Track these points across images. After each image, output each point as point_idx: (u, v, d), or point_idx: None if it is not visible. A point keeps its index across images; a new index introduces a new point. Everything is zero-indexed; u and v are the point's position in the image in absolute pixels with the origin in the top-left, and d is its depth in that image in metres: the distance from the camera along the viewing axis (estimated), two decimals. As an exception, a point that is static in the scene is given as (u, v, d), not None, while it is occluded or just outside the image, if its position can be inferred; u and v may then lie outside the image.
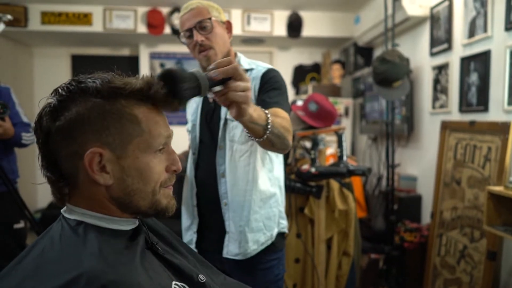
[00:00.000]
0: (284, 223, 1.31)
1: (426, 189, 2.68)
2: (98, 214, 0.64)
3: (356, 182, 2.88)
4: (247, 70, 1.24)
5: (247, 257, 1.20)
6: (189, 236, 1.28)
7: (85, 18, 3.61)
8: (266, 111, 0.94)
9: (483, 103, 2.11)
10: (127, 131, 0.63)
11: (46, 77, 4.29)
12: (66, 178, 0.64)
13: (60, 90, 0.63)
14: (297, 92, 4.48)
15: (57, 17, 3.56)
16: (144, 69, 4.29)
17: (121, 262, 0.59)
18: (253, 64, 1.26)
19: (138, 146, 0.64)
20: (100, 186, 0.63)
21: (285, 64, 4.49)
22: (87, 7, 3.62)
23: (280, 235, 1.29)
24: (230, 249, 1.20)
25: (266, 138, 0.94)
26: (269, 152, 1.24)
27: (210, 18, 1.17)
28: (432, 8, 2.64)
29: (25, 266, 0.59)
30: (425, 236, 2.43)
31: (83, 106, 0.61)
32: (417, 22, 2.84)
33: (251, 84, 1.18)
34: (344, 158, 1.88)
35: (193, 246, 1.26)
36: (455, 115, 2.39)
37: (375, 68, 2.16)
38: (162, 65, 4.30)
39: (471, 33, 2.21)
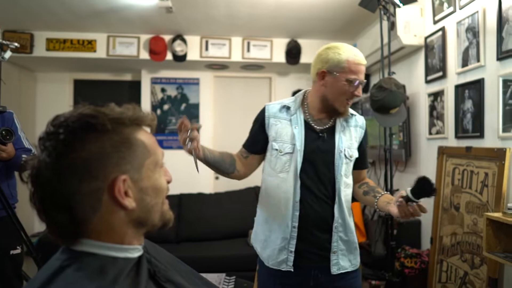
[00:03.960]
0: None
1: (425, 215, 2.67)
2: (109, 244, 0.65)
3: (355, 207, 2.88)
4: (352, 115, 1.42)
5: (355, 269, 1.40)
6: (284, 255, 1.34)
7: (89, 45, 3.71)
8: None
9: (478, 129, 2.15)
10: (139, 156, 0.66)
11: (49, 101, 4.36)
12: (80, 217, 0.62)
13: (55, 133, 0.61)
14: (296, 116, 4.54)
15: (62, 43, 3.66)
16: (146, 93, 4.36)
17: None
18: (352, 111, 1.43)
19: (149, 167, 0.68)
20: (120, 213, 0.64)
21: (284, 89, 4.57)
22: (92, 34, 3.73)
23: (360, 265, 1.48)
24: (343, 265, 1.36)
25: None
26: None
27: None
28: (426, 38, 2.74)
29: None
30: (426, 262, 2.42)
31: (93, 143, 0.61)
32: (412, 50, 2.93)
33: (357, 129, 1.42)
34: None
35: (290, 264, 1.33)
36: (451, 141, 2.43)
37: (372, 95, 2.22)
38: (163, 89, 4.38)
39: (465, 62, 2.28)
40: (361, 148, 1.43)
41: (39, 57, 3.69)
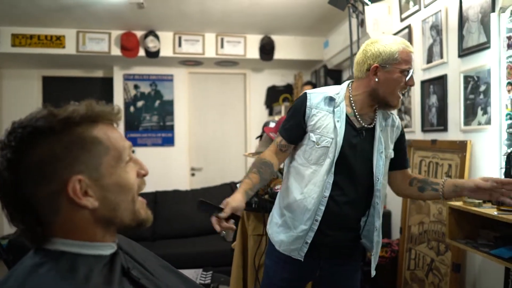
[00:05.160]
0: None
1: (395, 205, 2.79)
2: (80, 242, 0.65)
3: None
4: (390, 114, 1.39)
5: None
6: (298, 244, 1.34)
7: (58, 41, 3.60)
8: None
9: (442, 123, 2.26)
10: (94, 154, 0.65)
11: (16, 98, 4.20)
12: (44, 219, 0.64)
13: (7, 141, 0.62)
14: (271, 112, 4.59)
15: (29, 39, 3.53)
16: (118, 90, 4.28)
17: None
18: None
19: (109, 164, 0.67)
20: (84, 212, 0.64)
21: (258, 85, 4.61)
22: (60, 29, 3.62)
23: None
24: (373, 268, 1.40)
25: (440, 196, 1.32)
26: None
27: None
28: (394, 35, 2.83)
29: None
30: (396, 251, 2.52)
31: (43, 147, 0.62)
32: (381, 47, 3.02)
33: (394, 129, 1.39)
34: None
35: (302, 254, 1.33)
36: (418, 135, 2.54)
37: (342, 91, 2.28)
38: (136, 86, 4.31)
39: (429, 58, 2.38)
40: (399, 147, 1.40)
41: (4, 53, 3.55)
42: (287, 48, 4.10)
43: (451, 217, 1.78)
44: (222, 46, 3.97)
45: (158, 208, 3.58)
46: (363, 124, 1.32)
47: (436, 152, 2.27)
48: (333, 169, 1.29)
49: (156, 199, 3.68)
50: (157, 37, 3.76)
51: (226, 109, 4.57)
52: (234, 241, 2.08)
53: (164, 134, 4.36)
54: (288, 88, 4.64)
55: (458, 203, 1.76)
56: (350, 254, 1.40)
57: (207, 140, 4.53)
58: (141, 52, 3.78)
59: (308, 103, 1.33)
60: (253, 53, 4.04)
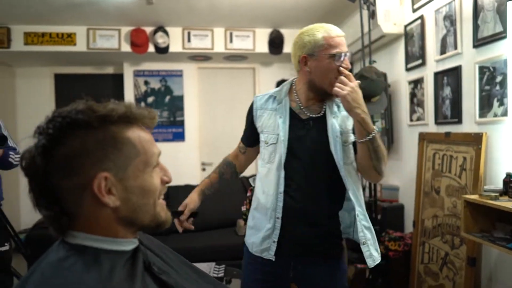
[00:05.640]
0: None
1: (407, 198, 2.77)
2: (102, 237, 0.66)
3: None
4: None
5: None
6: (267, 244, 1.33)
7: (69, 38, 3.63)
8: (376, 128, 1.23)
9: (456, 115, 2.23)
10: (124, 154, 0.66)
11: (29, 96, 4.26)
12: (68, 210, 0.65)
13: (46, 128, 0.63)
14: (281, 106, 4.57)
15: (40, 37, 3.56)
16: (129, 86, 4.31)
17: (125, 286, 0.62)
18: None
19: (137, 167, 0.67)
20: (106, 209, 0.65)
21: (267, 79, 4.59)
22: (71, 27, 3.65)
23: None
24: (375, 255, 1.30)
25: (366, 143, 1.20)
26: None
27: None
28: (406, 26, 2.78)
29: None
30: (409, 244, 2.51)
31: (77, 140, 0.62)
32: (393, 39, 2.98)
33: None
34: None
35: (272, 253, 1.32)
36: (431, 127, 2.50)
37: (354, 84, 2.26)
38: (146, 82, 4.33)
39: (443, 49, 2.34)
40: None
41: (17, 52, 3.59)
42: (296, 41, 4.06)
43: (466, 211, 1.75)
44: (231, 41, 3.96)
45: (170, 203, 3.59)
46: (309, 115, 1.33)
47: (450, 144, 2.24)
48: (282, 164, 1.30)
49: (168, 194, 3.71)
50: (166, 32, 3.77)
51: (235, 103, 4.57)
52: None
53: (174, 130, 4.38)
54: (298, 82, 4.61)
55: (473, 197, 1.74)
56: (325, 252, 1.32)
57: (217, 135, 4.54)
58: (151, 48, 3.80)
59: (254, 106, 1.41)
60: (262, 47, 4.02)
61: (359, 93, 1.21)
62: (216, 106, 4.52)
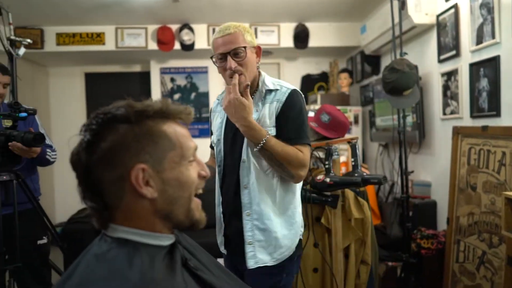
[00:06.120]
0: (302, 230, 1.40)
1: (440, 195, 2.68)
2: (141, 231, 0.68)
3: (369, 189, 2.89)
4: (271, 91, 1.30)
5: (275, 264, 1.27)
6: (220, 238, 1.39)
7: (98, 38, 3.73)
8: (269, 133, 1.20)
9: (495, 108, 2.12)
10: (160, 147, 0.68)
11: (61, 95, 4.42)
12: (110, 203, 0.68)
13: (90, 124, 0.67)
14: (306, 102, 4.52)
15: (72, 37, 3.68)
16: (155, 84, 4.38)
17: (165, 280, 0.63)
18: (277, 85, 1.31)
19: (173, 159, 0.69)
20: (145, 201, 0.67)
21: (292, 74, 4.55)
22: (100, 27, 3.74)
23: (299, 242, 1.37)
24: (261, 258, 1.25)
25: (259, 151, 1.20)
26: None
27: (245, 47, 1.22)
28: (438, 16, 2.68)
29: (71, 284, 0.62)
30: (442, 242, 2.43)
31: (116, 134, 0.65)
32: (424, 29, 2.87)
33: (273, 104, 1.28)
34: (359, 167, 1.90)
35: (223, 247, 1.38)
36: (466, 121, 2.40)
37: (384, 77, 2.20)
38: (172, 79, 4.39)
39: (479, 39, 2.23)
40: (281, 122, 1.26)
41: (50, 52, 3.73)
42: (322, 35, 4.00)
43: (507, 208, 1.67)
44: (256, 36, 3.93)
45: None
46: None
47: (487, 139, 2.14)
48: (221, 162, 1.35)
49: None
50: (191, 30, 3.80)
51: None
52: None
53: (200, 126, 4.43)
54: (324, 76, 4.55)
55: (515, 193, 1.65)
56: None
57: (242, 131, 4.55)
58: (177, 46, 3.84)
59: (211, 110, 1.48)
60: (287, 41, 3.98)
61: (239, 105, 1.17)
62: (241, 102, 4.52)
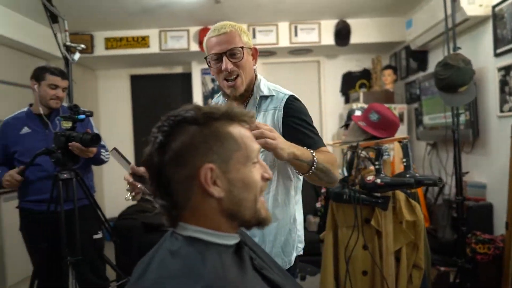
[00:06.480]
0: (301, 246, 1.30)
1: (497, 197, 2.52)
2: (209, 230, 0.70)
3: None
4: (266, 97, 1.21)
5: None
6: None
7: (143, 41, 3.86)
8: (311, 150, 1.05)
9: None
10: (227, 148, 0.70)
11: (109, 96, 4.63)
12: (179, 201, 0.70)
13: (162, 126, 0.70)
14: (347, 100, 4.43)
15: (119, 41, 3.84)
16: (197, 84, 4.47)
17: (238, 279, 0.63)
18: (273, 91, 1.22)
19: (238, 160, 0.71)
20: (211, 201, 0.69)
21: (333, 72, 4.47)
22: (145, 30, 3.87)
23: (296, 259, 1.28)
24: None
25: (312, 174, 1.06)
26: (291, 175, 1.23)
27: (242, 47, 1.14)
28: (494, 7, 2.52)
29: (148, 279, 0.65)
30: (500, 248, 2.28)
31: (185, 135, 0.68)
32: (478, 22, 2.72)
33: (270, 112, 1.19)
34: (411, 168, 1.83)
35: None
36: (528, 118, 2.24)
37: (437, 73, 2.09)
38: (213, 80, 4.46)
39: (544, 30, 2.07)
40: (288, 130, 1.15)
41: (99, 56, 3.91)
42: (364, 31, 3.89)
43: None
44: (296, 34, 3.91)
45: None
46: None
47: (553, 137, 1.98)
48: None
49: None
50: (232, 30, 3.83)
51: (300, 98, 4.50)
52: (321, 231, 2.06)
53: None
54: (365, 74, 4.42)
55: None
56: None
57: (282, 130, 4.53)
58: (218, 46, 3.89)
59: None
60: (328, 39, 3.92)
61: (274, 134, 0.96)
62: (281, 101, 4.50)
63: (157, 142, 0.69)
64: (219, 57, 1.14)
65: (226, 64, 1.12)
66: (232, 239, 0.73)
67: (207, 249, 0.67)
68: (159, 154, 0.68)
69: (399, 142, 1.89)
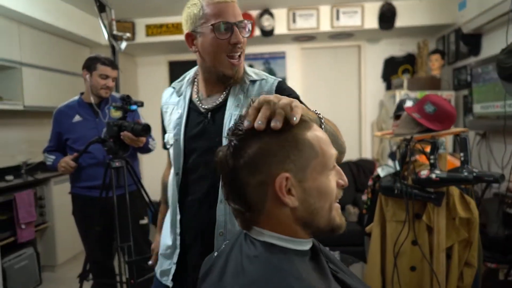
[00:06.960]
0: None
1: (557, 193, 2.36)
2: (285, 237, 0.68)
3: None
4: (254, 82, 1.12)
5: None
6: (168, 265, 1.14)
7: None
8: (315, 110, 0.88)
9: None
10: (304, 155, 0.67)
11: (148, 83, 4.71)
12: (253, 206, 0.69)
13: (235, 130, 0.68)
14: (389, 86, 4.26)
15: (159, 28, 3.87)
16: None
17: (322, 285, 0.62)
18: (262, 75, 1.15)
19: (315, 168, 0.67)
20: (285, 209, 0.67)
21: (374, 57, 4.31)
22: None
23: None
24: None
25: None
26: None
27: (252, 22, 1.04)
28: None
29: (228, 284, 0.65)
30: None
31: (262, 141, 0.66)
32: (543, 3, 2.48)
33: (263, 94, 1.08)
34: (469, 163, 1.73)
35: (170, 277, 1.13)
36: None
37: (500, 61, 1.94)
38: (250, 66, 4.41)
39: None
40: None
41: (140, 43, 3.97)
42: (410, 13, 3.69)
43: None
44: (337, 18, 3.77)
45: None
46: (207, 106, 1.08)
47: None
48: (179, 169, 1.08)
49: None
50: (271, 15, 3.75)
51: (339, 84, 4.39)
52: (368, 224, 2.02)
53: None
54: (409, 59, 4.22)
55: None
56: None
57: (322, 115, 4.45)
58: (257, 32, 3.83)
59: (161, 103, 1.20)
60: (371, 22, 3.76)
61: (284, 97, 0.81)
62: (319, 87, 4.41)
63: (232, 146, 0.67)
64: (228, 27, 1.00)
65: (240, 35, 1.00)
66: (307, 244, 0.72)
67: (286, 255, 0.66)
68: (234, 158, 0.67)
69: (457, 135, 1.79)
